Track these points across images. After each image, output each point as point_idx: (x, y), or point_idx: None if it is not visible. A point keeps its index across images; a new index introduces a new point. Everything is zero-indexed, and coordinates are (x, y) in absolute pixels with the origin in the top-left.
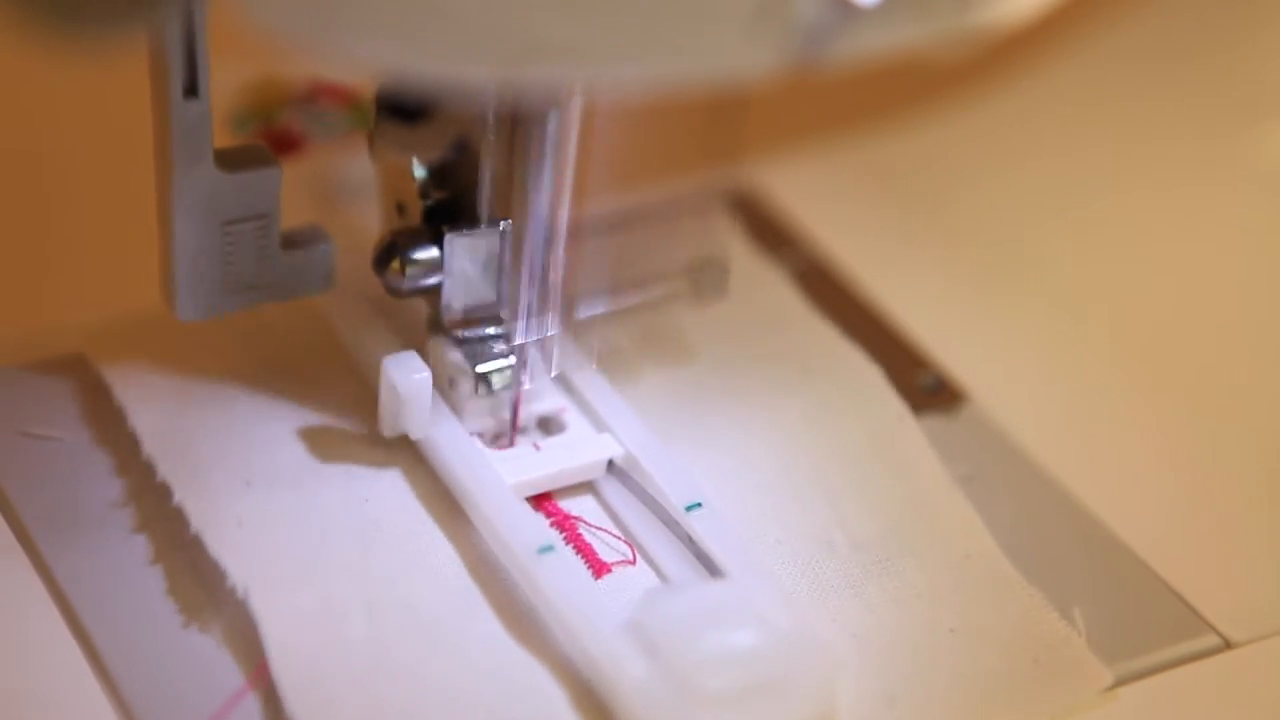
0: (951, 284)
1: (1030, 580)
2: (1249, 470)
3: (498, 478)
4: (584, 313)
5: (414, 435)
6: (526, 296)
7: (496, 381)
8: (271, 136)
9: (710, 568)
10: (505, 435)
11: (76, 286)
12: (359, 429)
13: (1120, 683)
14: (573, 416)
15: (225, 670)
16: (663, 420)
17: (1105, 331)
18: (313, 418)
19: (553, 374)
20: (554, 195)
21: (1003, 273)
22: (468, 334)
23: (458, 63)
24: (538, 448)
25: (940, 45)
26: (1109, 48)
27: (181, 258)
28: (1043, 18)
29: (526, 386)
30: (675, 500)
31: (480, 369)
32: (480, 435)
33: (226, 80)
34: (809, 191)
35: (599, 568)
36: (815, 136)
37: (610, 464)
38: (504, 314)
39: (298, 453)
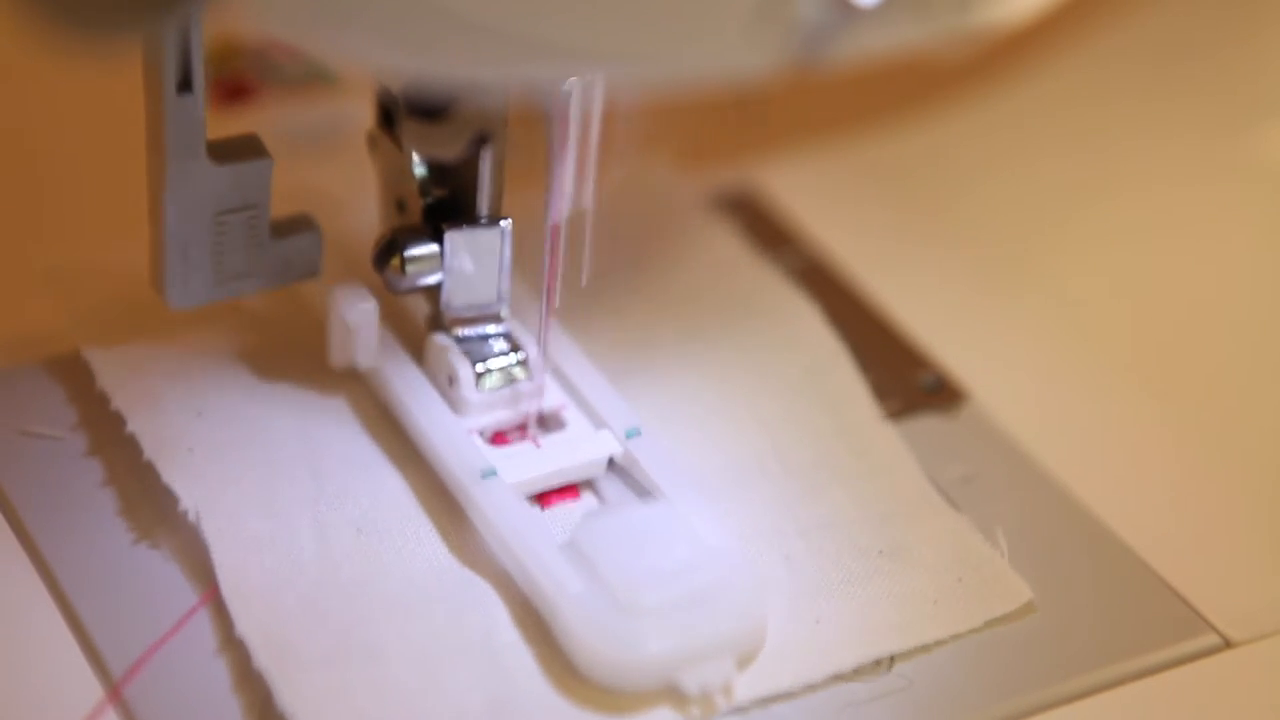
0: (951, 284)
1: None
2: (1249, 470)
3: (441, 406)
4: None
5: (361, 366)
6: (548, 285)
7: (496, 379)
8: (224, 85)
9: (647, 491)
10: (508, 430)
11: (73, 282)
12: (311, 363)
13: (1120, 682)
14: (572, 414)
15: (178, 591)
16: (603, 353)
17: (1105, 331)
18: (268, 356)
19: (542, 363)
20: (576, 186)
21: (1003, 273)
22: (467, 332)
23: (457, 63)
24: (538, 445)
25: (940, 45)
26: (1109, 48)
27: (172, 248)
28: (1043, 17)
29: (542, 378)
30: (615, 429)
31: (480, 366)
32: (480, 432)
33: None
34: (809, 191)
35: (542, 493)
36: (815, 136)
37: (611, 461)
38: (504, 311)
39: (250, 384)
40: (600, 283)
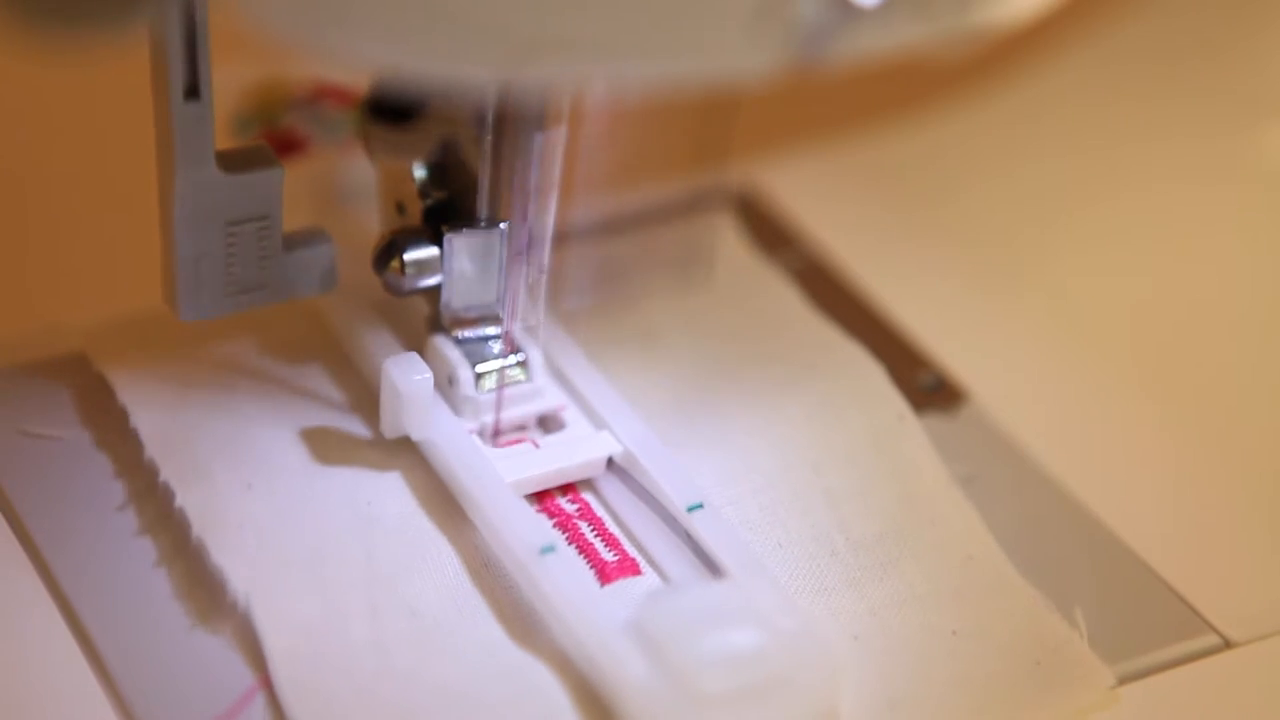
0: (951, 284)
1: (1031, 580)
2: (1250, 470)
3: (498, 478)
4: (571, 303)
5: (415, 436)
6: (516, 287)
7: (496, 380)
8: (275, 138)
9: (712, 568)
10: (503, 432)
11: (77, 286)
12: (360, 430)
13: (1121, 682)
14: (572, 414)
15: (228, 674)
16: (662, 419)
17: (1105, 331)
18: (314, 419)
19: (542, 364)
20: (545, 192)
21: (1003, 273)
22: (467, 333)
23: (456, 62)
24: (537, 445)
25: (940, 45)
26: (1109, 48)
27: (183, 259)
28: (1043, 18)
29: (523, 380)
30: (676, 501)
31: (479, 368)
32: (479, 434)
33: (230, 82)
34: (809, 191)
35: (602, 569)
36: (815, 136)
37: (610, 461)
38: (501, 312)
39: (299, 454)
40: (649, 337)
